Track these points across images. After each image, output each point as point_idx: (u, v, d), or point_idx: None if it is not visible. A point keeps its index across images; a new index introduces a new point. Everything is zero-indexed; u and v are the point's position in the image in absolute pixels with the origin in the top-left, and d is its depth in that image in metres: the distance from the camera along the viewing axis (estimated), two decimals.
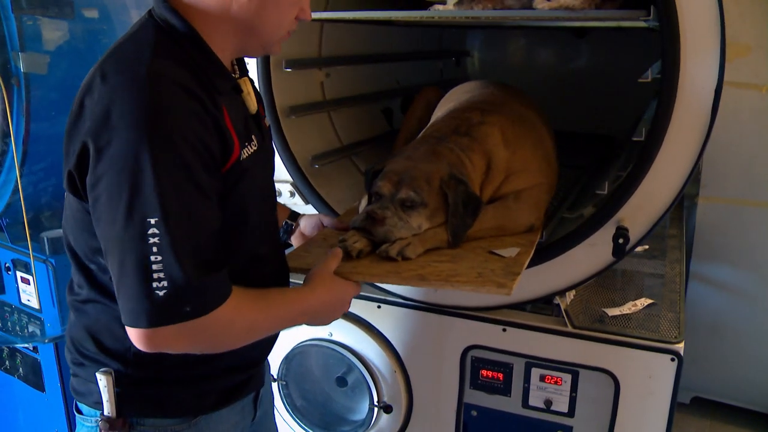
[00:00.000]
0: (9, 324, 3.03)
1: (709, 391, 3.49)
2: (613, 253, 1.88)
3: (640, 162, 1.82)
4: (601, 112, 3.73)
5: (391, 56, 3.29)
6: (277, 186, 2.29)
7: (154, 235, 1.16)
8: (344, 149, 2.70)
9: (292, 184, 2.29)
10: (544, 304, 2.15)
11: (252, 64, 2.24)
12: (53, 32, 3.05)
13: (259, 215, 1.51)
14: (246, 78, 1.50)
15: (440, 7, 2.08)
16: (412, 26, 3.24)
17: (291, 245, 1.99)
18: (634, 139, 1.92)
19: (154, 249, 1.16)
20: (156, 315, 1.18)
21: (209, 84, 1.32)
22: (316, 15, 2.29)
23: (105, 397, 1.40)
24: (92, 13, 3.18)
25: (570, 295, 2.10)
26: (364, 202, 1.95)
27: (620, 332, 1.96)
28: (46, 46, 3.04)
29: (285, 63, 2.32)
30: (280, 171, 2.31)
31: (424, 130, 2.13)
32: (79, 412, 1.51)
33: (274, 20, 1.40)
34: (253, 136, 1.43)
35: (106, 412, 1.42)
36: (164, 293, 1.17)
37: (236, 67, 1.51)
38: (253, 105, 1.48)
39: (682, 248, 2.71)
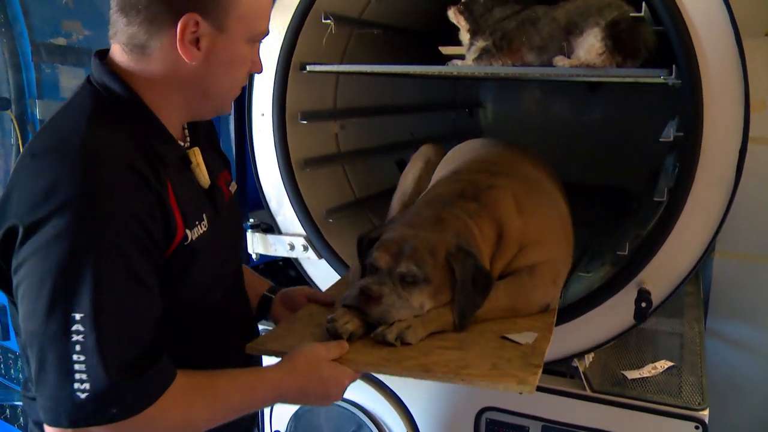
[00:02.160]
0: (12, 372, 2.99)
1: None
2: (635, 317, 1.84)
3: (662, 223, 1.79)
4: (614, 165, 3.71)
5: (405, 107, 3.29)
6: (291, 239, 2.27)
7: (78, 333, 1.05)
8: (358, 202, 2.68)
9: (305, 238, 2.26)
10: (562, 364, 2.10)
11: (267, 117, 2.24)
12: (70, 80, 3.09)
13: (218, 298, 1.43)
14: (196, 148, 1.39)
15: (459, 62, 2.08)
16: (427, 78, 3.25)
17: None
18: (656, 199, 1.89)
19: (77, 348, 1.05)
20: (77, 416, 1.08)
21: (153, 155, 1.23)
22: (333, 68, 2.32)
23: None
24: None
25: (589, 358, 2.05)
26: (355, 274, 1.75)
27: (641, 397, 1.89)
28: (63, 94, 3.08)
29: (300, 115, 2.31)
30: (294, 224, 2.29)
31: (425, 193, 1.96)
32: None
33: (226, 80, 1.33)
34: (204, 215, 1.34)
35: None
36: (86, 396, 1.07)
37: (188, 135, 1.42)
38: (204, 179, 1.38)
39: (700, 306, 2.66)
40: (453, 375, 1.35)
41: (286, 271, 3.21)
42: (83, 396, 1.06)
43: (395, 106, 3.18)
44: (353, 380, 1.42)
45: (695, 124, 1.71)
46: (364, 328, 1.50)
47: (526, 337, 1.53)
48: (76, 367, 1.06)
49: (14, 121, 2.99)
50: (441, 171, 2.14)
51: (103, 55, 1.30)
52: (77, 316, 1.06)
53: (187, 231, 1.26)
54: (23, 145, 2.97)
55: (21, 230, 1.09)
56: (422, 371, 1.38)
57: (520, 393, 1.32)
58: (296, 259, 2.33)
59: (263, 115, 2.26)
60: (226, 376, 1.29)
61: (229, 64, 1.30)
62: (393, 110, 3.16)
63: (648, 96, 3.50)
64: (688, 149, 1.73)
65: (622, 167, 3.62)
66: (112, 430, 1.10)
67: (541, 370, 1.37)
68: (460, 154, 2.19)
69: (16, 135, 3.02)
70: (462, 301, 1.54)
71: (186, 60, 1.24)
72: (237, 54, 1.30)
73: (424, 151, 2.35)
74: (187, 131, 1.42)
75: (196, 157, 1.37)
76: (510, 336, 1.53)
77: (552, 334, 1.59)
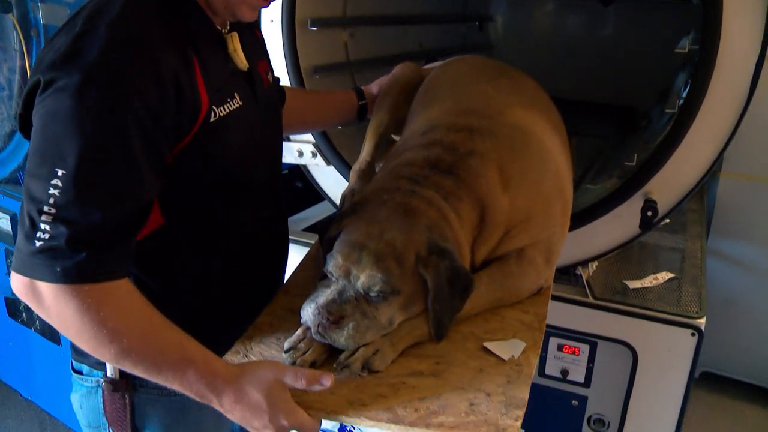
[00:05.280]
0: None
1: (720, 366, 3.50)
2: (640, 226, 1.87)
3: (672, 133, 1.79)
4: (625, 84, 3.69)
5: (414, 18, 3.24)
6: (299, 146, 2.28)
7: (56, 187, 1.08)
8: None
9: (314, 145, 2.27)
10: (563, 274, 2.14)
11: (277, 24, 2.21)
12: None
13: (250, 174, 1.43)
14: (234, 33, 1.39)
15: None
16: None
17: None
18: (667, 110, 1.89)
19: (51, 201, 1.08)
20: (27, 264, 1.11)
21: (183, 35, 1.24)
22: None
23: None
24: None
25: (592, 266, 2.09)
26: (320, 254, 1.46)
27: (641, 305, 1.94)
28: None
29: (310, 22, 2.29)
30: None
31: (393, 153, 1.63)
32: (78, 372, 1.48)
33: None
34: (236, 93, 1.35)
35: (109, 374, 1.40)
36: (40, 245, 1.09)
37: (228, 22, 1.41)
38: (241, 62, 1.39)
39: (703, 223, 2.69)
40: (423, 427, 1.15)
41: (293, 182, 3.23)
42: (38, 245, 1.09)
43: (405, 17, 3.13)
44: (312, 430, 1.21)
45: (712, 36, 1.69)
46: (326, 353, 1.30)
47: (512, 348, 1.33)
48: (44, 218, 1.09)
49: (16, 25, 2.95)
50: (418, 108, 1.78)
51: None
52: (59, 172, 1.08)
53: (214, 107, 1.27)
54: (27, 50, 2.94)
55: (42, 84, 1.12)
56: (389, 421, 1.17)
57: None
58: (305, 167, 2.34)
59: (272, 21, 2.23)
60: (175, 328, 1.20)
61: None
62: (403, 20, 3.11)
63: (663, 11, 3.44)
64: (703, 60, 1.72)
65: (633, 86, 3.60)
66: (51, 291, 1.11)
67: (523, 413, 1.17)
68: (440, 88, 1.82)
69: (19, 39, 2.98)
70: (438, 309, 1.31)
71: None
72: None
73: (400, 75, 1.98)
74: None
75: (234, 42, 1.38)
76: (494, 348, 1.32)
77: (543, 332, 1.42)
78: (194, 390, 1.18)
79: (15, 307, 3.15)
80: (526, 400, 1.20)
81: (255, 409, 1.18)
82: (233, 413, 1.19)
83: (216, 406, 1.20)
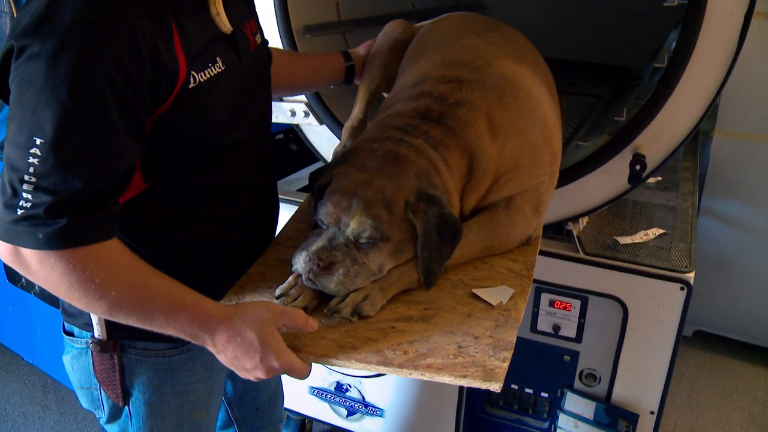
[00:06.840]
0: None
1: (712, 325, 3.53)
2: (629, 180, 1.88)
3: (660, 88, 1.79)
4: (619, 43, 3.67)
5: None
6: (292, 106, 2.28)
7: (35, 156, 1.08)
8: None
9: (306, 104, 2.27)
10: (555, 232, 2.16)
11: None
12: None
13: (235, 138, 1.41)
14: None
15: None
16: None
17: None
18: (656, 65, 1.89)
19: (30, 169, 1.09)
20: (9, 230, 1.12)
21: (163, 1, 1.21)
22: None
23: (95, 319, 1.39)
24: None
25: (583, 222, 2.10)
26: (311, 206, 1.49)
27: (631, 260, 1.96)
28: None
29: None
30: None
31: (384, 105, 1.65)
32: (69, 333, 1.50)
33: None
34: (218, 58, 1.32)
35: (96, 335, 1.42)
36: (22, 213, 1.10)
37: None
38: (224, 25, 1.35)
39: (695, 181, 2.70)
40: (412, 369, 1.18)
41: (287, 145, 3.24)
42: (20, 212, 1.09)
43: None
44: (302, 373, 1.24)
45: None
46: (318, 299, 1.33)
47: (500, 294, 1.35)
48: (25, 186, 1.09)
49: None
50: (407, 67, 1.78)
51: None
52: (38, 141, 1.08)
53: (193, 73, 1.25)
54: (17, 12, 2.91)
55: (15, 50, 1.11)
56: (378, 363, 1.19)
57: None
58: (298, 126, 2.34)
59: None
60: (162, 276, 1.22)
61: None
62: None
63: None
64: (692, 12, 1.71)
65: (629, 46, 3.57)
66: (35, 256, 1.12)
67: (511, 355, 1.19)
68: (428, 43, 1.83)
69: (8, 1, 2.96)
70: (427, 256, 1.33)
71: None
72: None
73: (391, 33, 2.00)
74: None
75: (217, 5, 1.34)
76: (482, 294, 1.35)
77: (531, 279, 1.43)
78: (188, 332, 1.20)
79: (15, 273, 3.16)
80: (514, 342, 1.22)
81: (247, 349, 1.20)
82: (225, 353, 1.22)
83: (209, 346, 1.22)
